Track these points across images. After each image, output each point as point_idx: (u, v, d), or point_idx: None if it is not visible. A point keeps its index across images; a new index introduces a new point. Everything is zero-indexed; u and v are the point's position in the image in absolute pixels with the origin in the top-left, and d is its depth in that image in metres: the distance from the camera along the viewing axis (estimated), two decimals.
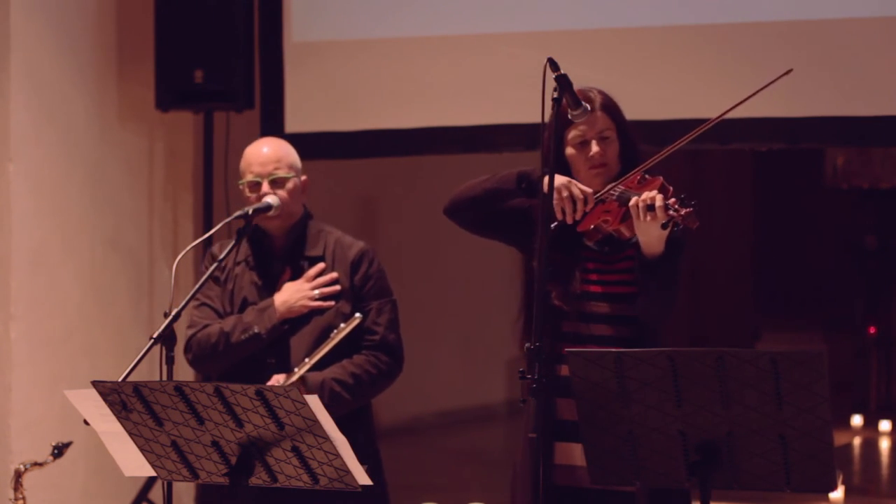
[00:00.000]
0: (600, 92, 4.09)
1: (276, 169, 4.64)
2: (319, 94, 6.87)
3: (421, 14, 6.69)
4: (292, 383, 4.48)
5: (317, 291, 4.60)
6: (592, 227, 4.00)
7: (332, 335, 4.52)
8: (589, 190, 4.01)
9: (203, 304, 4.70)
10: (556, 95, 3.78)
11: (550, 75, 3.78)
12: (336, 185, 9.90)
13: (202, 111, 7.04)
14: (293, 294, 4.60)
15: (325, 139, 6.91)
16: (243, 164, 4.70)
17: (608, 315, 4.05)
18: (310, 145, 6.95)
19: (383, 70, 6.73)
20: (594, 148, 4.05)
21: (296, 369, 4.49)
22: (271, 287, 4.65)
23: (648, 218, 3.82)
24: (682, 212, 3.77)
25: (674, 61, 6.27)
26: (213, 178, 7.04)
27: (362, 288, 4.63)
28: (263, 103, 6.97)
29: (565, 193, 3.97)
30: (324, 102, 6.87)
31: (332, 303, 4.60)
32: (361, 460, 3.59)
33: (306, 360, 4.50)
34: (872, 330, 11.72)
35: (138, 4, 7.08)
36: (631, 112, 4.21)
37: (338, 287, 4.61)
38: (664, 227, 3.79)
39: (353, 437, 3.67)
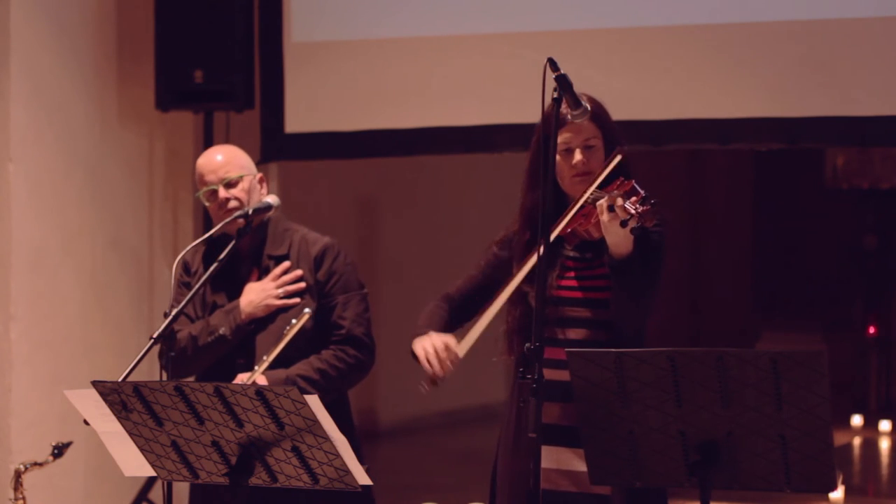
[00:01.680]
0: (590, 99, 4.07)
1: (227, 172, 4.66)
2: (319, 94, 6.86)
3: (421, 14, 6.69)
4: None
5: (281, 290, 4.61)
6: (570, 230, 4.03)
7: (284, 332, 4.53)
8: (452, 341, 4.08)
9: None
10: (556, 95, 3.79)
11: (550, 75, 3.79)
12: (336, 185, 9.91)
13: (202, 111, 7.03)
14: (258, 294, 4.62)
15: (325, 139, 6.91)
16: (196, 176, 4.73)
17: (587, 319, 4.07)
18: (310, 145, 6.97)
19: (383, 70, 6.73)
20: (577, 157, 4.06)
21: (256, 367, 4.50)
22: (240, 289, 4.66)
23: (610, 217, 3.85)
24: (640, 209, 3.80)
25: (673, 61, 6.27)
26: None
27: (326, 283, 4.64)
28: (263, 103, 6.97)
29: (430, 348, 4.06)
30: (324, 102, 6.87)
31: (298, 300, 4.61)
32: None
33: (264, 357, 4.51)
34: (872, 330, 11.72)
35: (138, 4, 7.08)
36: (629, 112, 4.21)
37: (303, 284, 4.62)
38: (623, 224, 3.82)
39: None
